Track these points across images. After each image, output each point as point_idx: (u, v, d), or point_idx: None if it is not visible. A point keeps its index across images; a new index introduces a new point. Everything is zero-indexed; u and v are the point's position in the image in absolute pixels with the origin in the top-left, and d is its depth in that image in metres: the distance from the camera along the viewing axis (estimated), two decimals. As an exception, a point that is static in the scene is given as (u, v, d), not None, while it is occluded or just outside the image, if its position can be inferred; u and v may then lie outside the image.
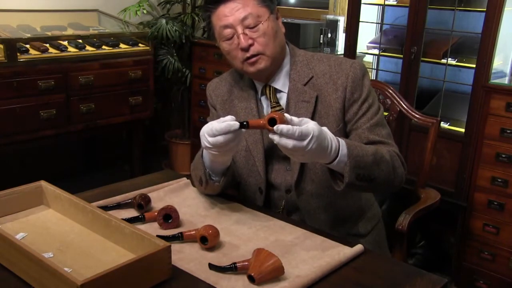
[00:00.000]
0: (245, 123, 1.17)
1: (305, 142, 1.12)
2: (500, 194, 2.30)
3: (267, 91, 1.45)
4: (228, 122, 1.19)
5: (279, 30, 1.41)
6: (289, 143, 1.12)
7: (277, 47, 1.39)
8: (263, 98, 1.48)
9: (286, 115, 1.15)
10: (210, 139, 1.21)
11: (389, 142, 1.39)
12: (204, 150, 1.33)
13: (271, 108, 1.44)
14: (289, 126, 1.12)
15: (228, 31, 1.36)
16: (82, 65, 2.93)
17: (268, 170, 1.46)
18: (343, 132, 1.41)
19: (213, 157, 1.29)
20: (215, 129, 1.19)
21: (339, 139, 1.23)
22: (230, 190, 1.52)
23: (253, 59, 1.36)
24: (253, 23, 1.34)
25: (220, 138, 1.19)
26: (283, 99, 1.45)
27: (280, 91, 1.45)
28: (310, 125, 1.14)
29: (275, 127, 1.13)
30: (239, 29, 1.34)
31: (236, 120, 1.20)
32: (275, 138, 1.13)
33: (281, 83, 1.44)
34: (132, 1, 3.50)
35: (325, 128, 1.19)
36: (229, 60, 1.43)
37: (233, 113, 1.48)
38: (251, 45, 1.35)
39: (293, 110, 1.40)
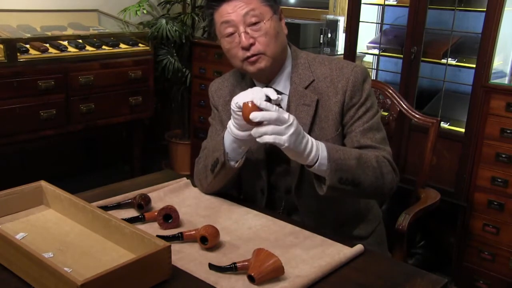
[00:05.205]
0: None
1: (284, 127, 1.14)
2: (500, 194, 2.30)
3: None
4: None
5: (281, 31, 1.40)
6: (269, 129, 1.14)
7: (278, 47, 1.38)
8: None
9: (263, 103, 1.16)
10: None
11: (380, 147, 1.37)
12: (227, 133, 1.33)
13: None
14: (264, 112, 1.14)
15: (229, 28, 1.35)
16: (82, 65, 2.93)
17: (270, 172, 1.46)
18: (342, 136, 1.41)
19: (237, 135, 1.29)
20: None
21: (320, 142, 1.23)
22: (231, 191, 1.52)
23: (253, 58, 1.35)
24: (255, 20, 1.33)
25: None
26: (283, 101, 1.44)
27: (281, 93, 1.44)
28: (286, 113, 1.16)
29: (251, 115, 1.15)
30: (241, 28, 1.33)
31: None
32: (258, 131, 1.15)
33: (282, 85, 1.43)
34: (132, 1, 3.50)
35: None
36: (229, 58, 1.42)
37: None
38: (252, 44, 1.34)
39: (294, 113, 1.39)
